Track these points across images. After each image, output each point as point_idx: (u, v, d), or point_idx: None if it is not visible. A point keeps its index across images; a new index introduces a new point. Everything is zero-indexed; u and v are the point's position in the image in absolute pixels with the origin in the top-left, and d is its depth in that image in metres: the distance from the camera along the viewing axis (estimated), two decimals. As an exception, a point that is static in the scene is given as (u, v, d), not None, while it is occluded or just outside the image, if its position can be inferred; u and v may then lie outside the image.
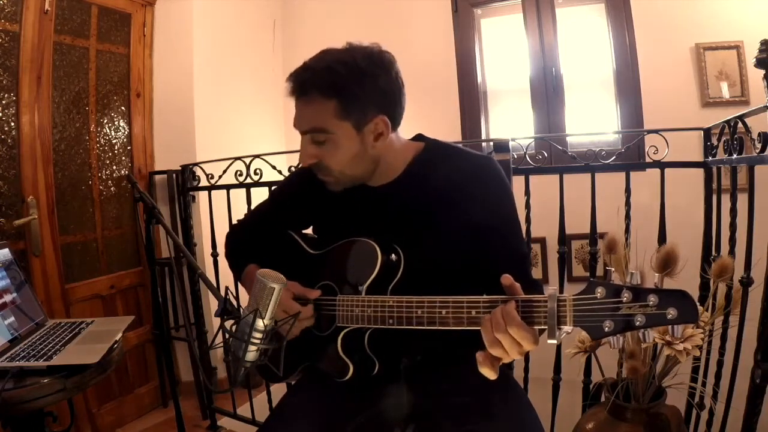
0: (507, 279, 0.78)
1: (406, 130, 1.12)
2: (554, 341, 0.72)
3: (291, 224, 1.18)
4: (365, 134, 0.95)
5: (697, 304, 0.66)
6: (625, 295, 0.68)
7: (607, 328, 0.68)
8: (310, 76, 0.92)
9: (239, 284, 1.17)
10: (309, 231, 1.21)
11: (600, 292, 0.70)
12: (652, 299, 0.66)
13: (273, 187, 1.33)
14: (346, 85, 0.91)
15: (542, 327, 0.74)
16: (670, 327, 0.67)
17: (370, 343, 0.96)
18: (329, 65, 0.91)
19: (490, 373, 0.79)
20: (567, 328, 0.72)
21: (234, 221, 1.30)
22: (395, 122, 0.99)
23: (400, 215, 1.00)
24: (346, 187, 1.03)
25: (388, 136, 0.98)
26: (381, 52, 0.96)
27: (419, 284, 0.92)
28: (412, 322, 0.86)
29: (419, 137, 1.09)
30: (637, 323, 0.67)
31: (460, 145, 1.09)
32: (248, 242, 1.20)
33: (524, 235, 1.10)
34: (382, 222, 1.01)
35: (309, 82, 0.92)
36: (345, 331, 0.96)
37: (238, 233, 1.25)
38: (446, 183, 0.99)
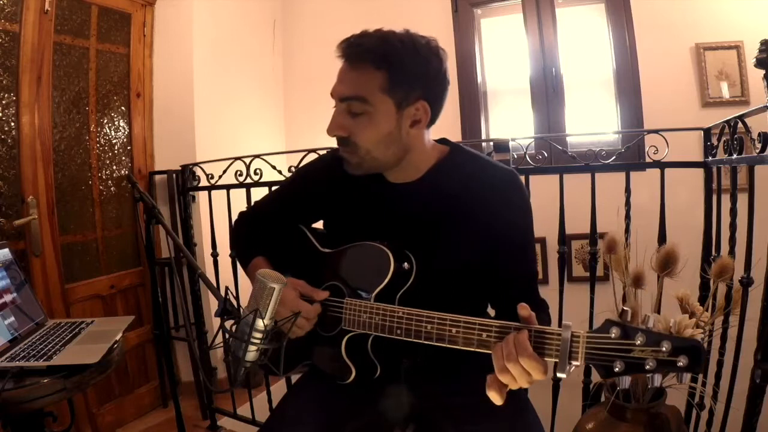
0: (525, 310, 0.77)
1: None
2: (563, 375, 0.72)
3: (303, 215, 1.15)
4: (404, 117, 0.94)
5: (707, 357, 0.66)
6: (639, 339, 0.68)
7: (617, 369, 0.69)
8: (366, 43, 0.91)
9: (239, 281, 1.16)
10: (319, 225, 1.19)
11: (615, 332, 0.70)
12: (666, 346, 0.66)
13: (288, 175, 1.29)
14: (399, 59, 0.90)
15: (552, 359, 0.74)
16: (677, 374, 0.67)
17: (373, 347, 0.96)
18: (388, 38, 0.91)
19: (496, 398, 0.78)
20: (577, 363, 0.72)
21: (238, 212, 1.28)
22: (433, 116, 0.97)
23: (417, 219, 0.99)
24: (367, 173, 0.99)
25: (423, 128, 0.97)
26: (438, 46, 0.95)
27: (427, 293, 0.91)
28: (421, 336, 0.85)
29: (444, 141, 1.07)
30: (647, 367, 0.67)
31: (485, 155, 1.07)
32: (257, 233, 1.18)
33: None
34: (397, 223, 0.99)
35: (363, 48, 0.91)
36: (350, 334, 0.96)
37: (248, 221, 1.22)
38: (468, 192, 0.97)
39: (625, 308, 0.73)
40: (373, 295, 0.94)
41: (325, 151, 1.23)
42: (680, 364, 0.65)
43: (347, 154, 0.97)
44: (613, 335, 0.70)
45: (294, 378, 1.19)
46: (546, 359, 0.74)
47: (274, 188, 1.27)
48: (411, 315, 0.86)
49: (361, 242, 0.99)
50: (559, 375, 0.72)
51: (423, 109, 0.94)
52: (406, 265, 0.94)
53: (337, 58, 0.94)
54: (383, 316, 0.90)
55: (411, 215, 0.99)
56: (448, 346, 0.82)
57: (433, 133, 1.09)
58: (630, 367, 0.68)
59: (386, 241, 0.96)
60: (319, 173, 1.13)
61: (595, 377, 1.48)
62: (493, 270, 0.96)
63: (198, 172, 2.27)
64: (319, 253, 1.09)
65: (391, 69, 0.90)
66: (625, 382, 0.70)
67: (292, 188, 1.19)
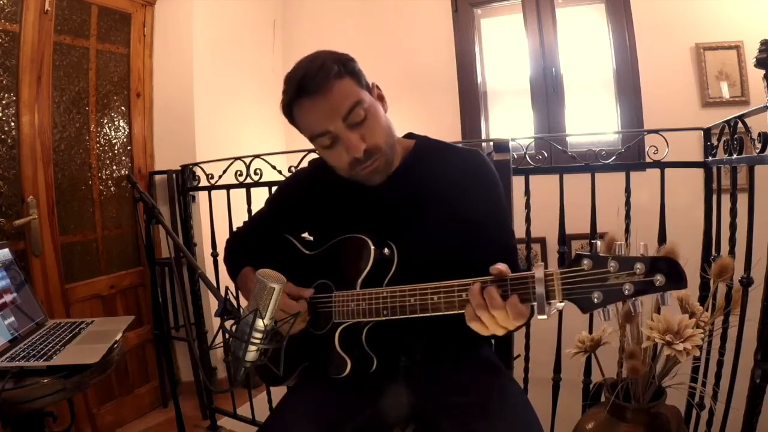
0: (495, 269, 0.79)
1: (405, 129, 1.12)
2: (544, 316, 0.73)
3: (289, 227, 1.19)
4: (376, 98, 1.00)
5: (684, 271, 0.66)
6: (612, 265, 0.68)
7: (596, 300, 0.69)
8: (319, 67, 0.93)
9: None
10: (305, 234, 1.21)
11: (586, 263, 0.70)
12: (639, 267, 0.66)
13: (272, 191, 1.34)
14: (346, 60, 0.96)
15: (533, 303, 0.75)
16: (659, 295, 0.67)
17: (368, 338, 0.97)
18: (325, 53, 0.97)
19: (479, 328, 0.81)
20: (557, 303, 0.73)
21: (234, 221, 1.30)
22: None
23: (395, 210, 1.02)
24: (387, 174, 1.01)
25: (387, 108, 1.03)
26: None
27: (414, 277, 0.92)
28: (406, 310, 0.87)
29: (409, 135, 1.12)
30: (626, 292, 0.67)
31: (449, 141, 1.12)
32: (245, 247, 1.21)
33: (514, 229, 1.11)
34: (377, 218, 1.02)
35: (324, 72, 0.92)
36: (342, 326, 0.97)
37: (236, 240, 1.26)
38: (437, 177, 1.01)
39: (593, 240, 0.73)
40: (359, 283, 0.96)
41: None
42: (658, 283, 0.65)
43: (375, 163, 0.98)
44: (585, 267, 0.70)
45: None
46: (525, 304, 0.75)
47: (267, 197, 1.30)
48: (394, 292, 0.88)
49: (341, 237, 1.02)
50: (539, 317, 0.73)
51: (377, 87, 1.02)
52: (386, 251, 0.97)
53: (300, 100, 0.95)
54: (369, 300, 0.92)
55: (389, 208, 1.02)
56: (433, 314, 0.84)
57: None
58: (609, 296, 0.68)
59: (366, 233, 0.98)
60: (296, 185, 1.19)
61: (596, 377, 1.49)
62: (471, 248, 0.98)
63: (198, 172, 2.27)
64: (305, 256, 1.11)
65: (348, 71, 0.95)
66: (608, 314, 0.70)
67: (274, 204, 1.24)
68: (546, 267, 0.74)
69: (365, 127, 0.95)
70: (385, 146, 0.98)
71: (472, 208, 0.99)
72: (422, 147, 1.08)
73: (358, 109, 0.94)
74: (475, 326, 0.80)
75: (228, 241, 1.27)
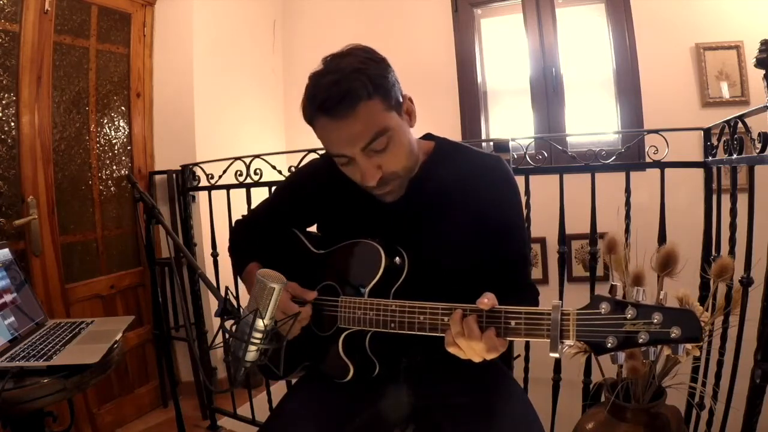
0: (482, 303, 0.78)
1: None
2: (556, 355, 0.72)
3: (297, 220, 1.16)
4: (404, 117, 0.93)
5: (701, 325, 0.65)
6: (630, 312, 0.68)
7: (609, 344, 0.69)
8: (346, 85, 0.84)
9: (239, 281, 1.17)
10: (313, 228, 1.20)
11: (604, 307, 0.70)
12: (657, 317, 0.66)
13: (282, 180, 1.30)
14: (379, 76, 0.87)
15: (545, 339, 0.75)
16: (672, 346, 0.67)
17: (371, 344, 0.96)
18: (357, 66, 0.85)
19: (456, 352, 0.82)
20: (569, 341, 0.73)
21: (234, 221, 1.29)
22: None
23: (410, 216, 1.00)
24: (401, 194, 0.98)
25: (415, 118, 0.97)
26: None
27: (422, 286, 0.92)
28: (414, 327, 0.86)
29: (428, 136, 1.08)
30: (640, 340, 0.67)
31: (468, 145, 1.09)
32: (253, 238, 1.19)
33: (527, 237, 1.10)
34: (390, 223, 1.00)
35: (350, 92, 0.83)
36: (347, 332, 0.96)
37: (244, 229, 1.23)
38: (456, 184, 0.99)
39: (614, 283, 0.73)
40: (367, 291, 0.95)
41: (324, 151, 1.23)
42: (673, 335, 0.65)
43: (388, 188, 0.95)
44: (603, 311, 0.70)
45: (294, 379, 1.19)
46: (538, 339, 0.75)
47: (268, 195, 1.28)
48: (404, 307, 0.87)
49: (352, 241, 1.00)
50: (551, 355, 0.72)
51: (410, 100, 0.95)
52: (397, 260, 0.96)
53: (320, 118, 0.87)
54: (377, 310, 0.91)
55: (405, 211, 1.00)
56: (442, 335, 0.83)
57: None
58: (623, 342, 0.68)
59: (378, 238, 0.97)
60: (311, 177, 1.14)
61: (596, 377, 1.49)
62: (484, 257, 0.97)
63: (198, 172, 2.27)
64: (313, 255, 1.10)
65: (379, 89, 0.86)
66: (620, 358, 0.70)
67: (285, 194, 1.20)
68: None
69: (384, 156, 0.90)
70: (403, 171, 0.94)
71: (491, 217, 0.97)
72: (441, 151, 1.04)
73: (380, 138, 0.87)
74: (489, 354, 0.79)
75: (233, 231, 1.25)
